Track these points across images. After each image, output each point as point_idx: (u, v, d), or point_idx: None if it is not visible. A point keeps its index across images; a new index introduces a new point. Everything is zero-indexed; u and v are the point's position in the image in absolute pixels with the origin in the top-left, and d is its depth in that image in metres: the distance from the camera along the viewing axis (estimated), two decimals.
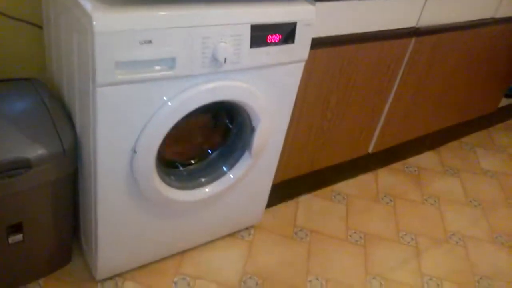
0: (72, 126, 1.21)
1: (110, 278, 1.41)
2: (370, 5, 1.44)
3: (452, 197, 2.11)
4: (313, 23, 1.26)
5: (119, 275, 1.42)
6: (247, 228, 1.69)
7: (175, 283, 1.45)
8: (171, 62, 1.06)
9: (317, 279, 1.57)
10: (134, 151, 1.13)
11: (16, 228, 1.18)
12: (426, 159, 2.34)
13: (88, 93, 1.04)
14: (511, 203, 2.15)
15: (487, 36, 2.02)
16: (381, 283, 1.60)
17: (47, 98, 1.26)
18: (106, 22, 0.94)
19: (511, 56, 2.30)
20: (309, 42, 1.29)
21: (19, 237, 1.20)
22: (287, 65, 1.29)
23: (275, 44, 1.21)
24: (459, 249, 1.83)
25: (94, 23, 0.93)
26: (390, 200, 2.01)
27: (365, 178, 2.11)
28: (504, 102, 2.60)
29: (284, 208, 1.84)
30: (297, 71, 1.33)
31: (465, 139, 2.58)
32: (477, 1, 1.81)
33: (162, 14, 1.00)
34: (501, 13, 1.98)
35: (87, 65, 1.00)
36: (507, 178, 2.33)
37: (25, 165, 1.08)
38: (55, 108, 1.23)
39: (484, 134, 2.68)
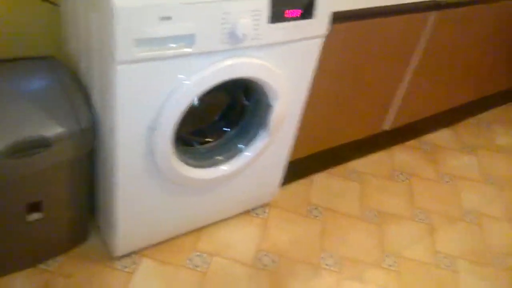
0: (90, 104, 1.20)
1: (127, 255, 1.42)
2: None
3: (468, 175, 2.09)
4: None
5: (136, 252, 1.43)
6: (262, 206, 1.69)
7: (191, 260, 1.46)
8: (190, 39, 1.03)
9: (332, 256, 1.57)
10: (152, 128, 1.12)
11: (35, 206, 1.19)
12: (442, 136, 2.31)
13: (108, 71, 1.02)
14: None
15: (507, 10, 1.96)
16: (395, 261, 1.60)
17: (65, 76, 1.25)
18: None
19: None
20: (328, 16, 1.25)
21: (38, 215, 1.21)
22: (306, 41, 1.26)
23: (294, 19, 1.18)
24: (474, 228, 1.82)
25: None
26: (406, 178, 1.99)
27: (380, 156, 2.09)
28: None
29: (299, 186, 1.83)
30: (316, 47, 1.30)
31: (482, 116, 2.54)
32: None
33: None
34: None
35: (107, 42, 0.98)
36: None
37: (44, 144, 1.08)
38: (73, 86, 1.22)
39: (501, 110, 2.63)
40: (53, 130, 1.09)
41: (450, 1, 1.64)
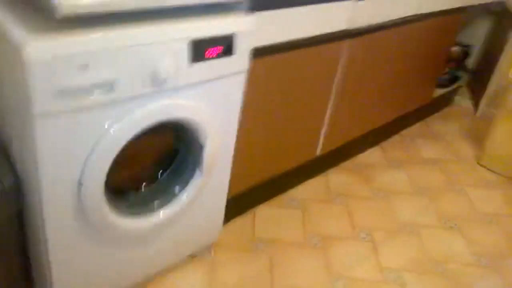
0: (11, 163, 1.13)
1: None
2: (303, 11, 1.47)
3: (399, 188, 2.19)
4: (251, 34, 1.26)
5: None
6: (207, 247, 1.66)
7: None
8: (110, 85, 1.02)
9: None
10: (80, 183, 1.08)
11: None
12: (371, 155, 2.41)
13: (26, 126, 0.98)
14: (454, 187, 2.26)
15: (415, 32, 2.13)
16: (344, 284, 1.62)
17: None
18: (37, 50, 0.89)
19: (439, 49, 2.43)
20: (249, 52, 1.29)
21: None
22: (229, 77, 1.29)
23: (215, 57, 1.20)
24: (413, 239, 1.89)
25: (24, 52, 0.88)
26: (343, 199, 2.05)
27: (317, 181, 2.14)
28: (438, 92, 2.74)
29: (241, 222, 1.82)
30: (240, 82, 1.33)
31: (405, 132, 2.69)
32: (404, 0, 1.90)
33: (96, 36, 0.96)
34: (424, 9, 2.08)
35: (22, 96, 0.94)
36: (448, 164, 2.45)
37: None
38: None
39: (422, 125, 2.81)
40: None
41: (360, 29, 1.76)
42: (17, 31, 0.92)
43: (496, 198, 2.23)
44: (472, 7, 2.49)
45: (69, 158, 1.04)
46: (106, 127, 1.06)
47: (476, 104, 2.78)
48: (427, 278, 1.70)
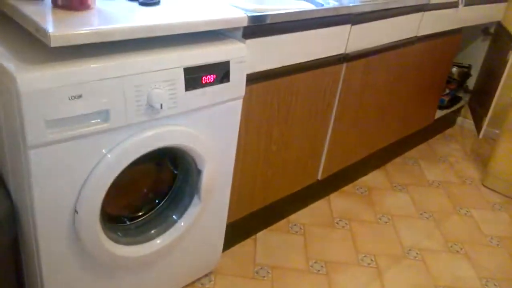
0: (6, 193, 1.13)
1: None
2: (298, 37, 1.49)
3: (403, 212, 2.16)
4: (246, 60, 1.27)
5: None
6: (206, 275, 1.64)
7: None
8: (105, 115, 1.03)
9: None
10: (76, 211, 1.07)
11: None
12: (374, 178, 2.39)
13: (20, 157, 0.98)
14: (459, 210, 2.23)
15: (413, 54, 2.14)
16: None
17: None
18: (31, 81, 0.90)
19: (439, 70, 2.44)
20: (244, 78, 1.30)
21: None
22: (226, 103, 1.29)
23: (211, 84, 1.21)
24: (418, 263, 1.85)
25: (18, 83, 0.89)
26: (346, 224, 2.02)
27: (318, 205, 2.12)
28: (439, 113, 2.73)
29: (242, 248, 1.80)
30: (237, 108, 1.33)
31: (408, 154, 2.67)
32: (399, 23, 1.92)
33: (89, 67, 0.97)
34: (423, 31, 2.10)
35: (16, 127, 0.95)
36: (452, 186, 2.42)
37: None
38: None
39: (425, 147, 2.79)
40: None
41: (357, 52, 1.77)
42: (11, 62, 0.93)
43: (502, 220, 2.19)
44: (468, 28, 2.50)
45: (64, 186, 1.04)
46: (101, 154, 1.06)
47: (478, 125, 2.76)
48: None
